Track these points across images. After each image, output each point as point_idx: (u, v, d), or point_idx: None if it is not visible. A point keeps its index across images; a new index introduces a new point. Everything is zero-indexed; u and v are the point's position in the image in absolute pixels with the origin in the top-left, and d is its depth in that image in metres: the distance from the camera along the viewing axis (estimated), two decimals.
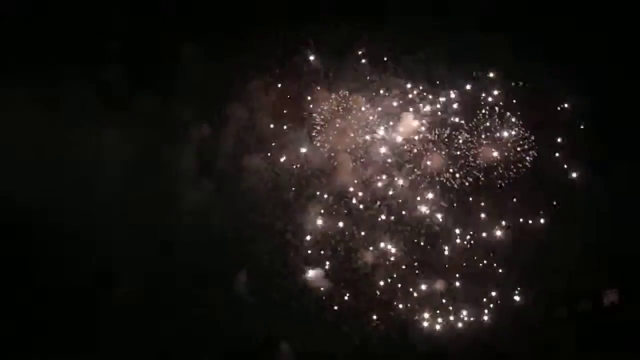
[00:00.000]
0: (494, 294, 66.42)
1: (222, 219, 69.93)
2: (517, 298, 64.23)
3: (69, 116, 70.30)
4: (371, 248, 68.66)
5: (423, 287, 68.35)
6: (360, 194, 69.42)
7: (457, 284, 68.24)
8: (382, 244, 68.93)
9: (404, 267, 68.60)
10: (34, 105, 69.46)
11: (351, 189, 69.48)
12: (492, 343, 62.19)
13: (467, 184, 69.25)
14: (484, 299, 66.94)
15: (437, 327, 68.08)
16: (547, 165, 68.95)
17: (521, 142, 68.75)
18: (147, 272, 69.41)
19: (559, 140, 69.02)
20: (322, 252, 69.08)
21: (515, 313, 63.59)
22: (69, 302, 70.59)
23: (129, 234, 69.63)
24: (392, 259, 68.58)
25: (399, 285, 68.77)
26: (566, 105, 69.04)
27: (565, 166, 68.34)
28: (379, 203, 69.17)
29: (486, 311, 66.14)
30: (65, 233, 69.14)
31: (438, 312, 68.07)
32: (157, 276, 69.65)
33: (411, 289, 68.57)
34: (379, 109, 70.39)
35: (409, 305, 68.61)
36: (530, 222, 67.66)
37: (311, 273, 69.02)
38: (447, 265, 68.57)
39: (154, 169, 71.04)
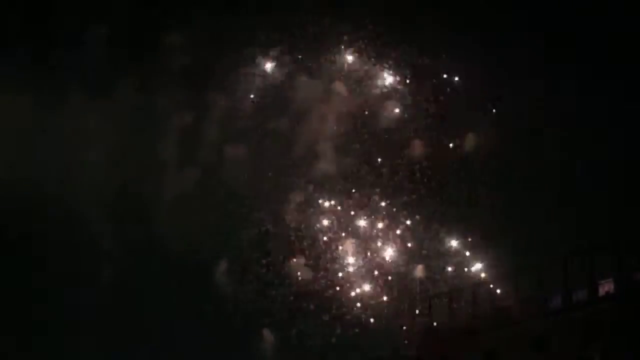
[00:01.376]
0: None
1: (203, 208, 70.00)
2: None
3: (51, 103, 70.57)
4: (352, 238, 68.76)
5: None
6: (341, 182, 69.68)
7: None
8: (363, 233, 69.17)
9: (387, 256, 68.74)
10: (15, 92, 69.95)
11: (332, 178, 69.52)
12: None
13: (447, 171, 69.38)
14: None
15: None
16: None
17: None
18: (132, 261, 69.90)
19: None
20: (303, 241, 69.37)
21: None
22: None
23: (112, 222, 69.96)
24: (374, 246, 68.93)
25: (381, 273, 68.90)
26: None
27: None
28: (360, 191, 69.28)
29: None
30: (47, 218, 69.62)
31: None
32: (142, 265, 69.99)
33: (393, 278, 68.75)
34: (361, 97, 70.33)
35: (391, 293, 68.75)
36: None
37: (292, 262, 68.94)
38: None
39: (135, 156, 71.27)
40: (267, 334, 70.03)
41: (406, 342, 67.92)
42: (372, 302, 68.76)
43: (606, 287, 54.09)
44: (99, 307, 70.58)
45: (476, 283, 67.15)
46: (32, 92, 69.86)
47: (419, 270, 68.17)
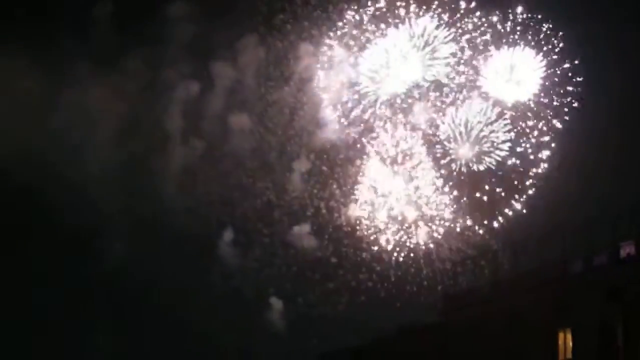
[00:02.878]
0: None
1: (208, 178, 69.93)
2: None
3: (58, 75, 70.79)
4: (353, 204, 68.25)
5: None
6: (342, 151, 69.14)
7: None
8: (363, 201, 68.65)
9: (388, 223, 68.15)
10: (23, 65, 70.28)
11: (334, 147, 69.02)
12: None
13: (452, 136, 68.46)
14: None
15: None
16: None
17: None
18: (135, 232, 70.12)
19: None
20: (305, 210, 69.10)
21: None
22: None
23: (118, 194, 70.14)
24: (374, 217, 68.28)
25: (385, 241, 68.43)
26: None
27: None
28: (362, 162, 68.83)
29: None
30: (55, 193, 70.03)
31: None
32: (148, 237, 70.16)
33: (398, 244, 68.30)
34: (363, 64, 69.51)
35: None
36: None
37: (295, 230, 68.73)
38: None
39: (141, 129, 71.38)
40: (276, 302, 70.12)
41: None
42: (379, 268, 68.56)
43: (627, 249, 53.34)
44: (108, 280, 71.22)
45: (498, 248, 66.69)
46: (37, 67, 70.15)
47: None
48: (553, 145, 68.08)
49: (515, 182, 68.17)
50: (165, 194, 69.34)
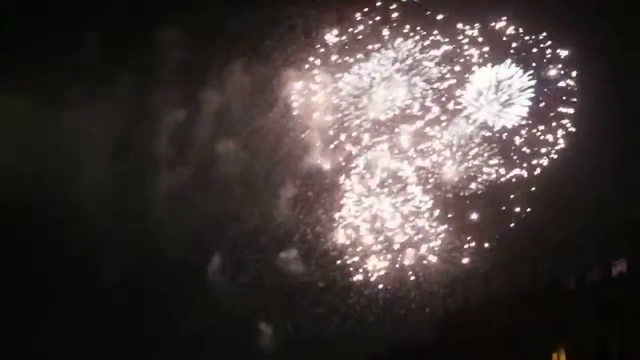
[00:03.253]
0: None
1: (195, 204, 69.92)
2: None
3: (47, 101, 70.79)
4: (341, 229, 68.43)
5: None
6: (329, 176, 69.39)
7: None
8: (350, 225, 68.78)
9: (375, 246, 68.24)
10: (11, 89, 70.43)
11: (321, 171, 69.22)
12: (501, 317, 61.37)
13: (439, 159, 68.82)
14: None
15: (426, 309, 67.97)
16: None
17: None
18: (126, 259, 69.82)
19: None
20: (292, 235, 69.06)
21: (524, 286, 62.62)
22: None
23: (104, 221, 69.95)
24: (360, 241, 68.50)
25: (373, 265, 68.51)
26: None
27: None
28: (348, 186, 69.27)
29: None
30: (43, 219, 69.73)
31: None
32: (136, 262, 69.89)
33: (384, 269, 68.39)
34: (348, 88, 69.98)
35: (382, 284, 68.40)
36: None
37: (283, 256, 68.71)
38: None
39: (129, 154, 71.34)
40: (265, 329, 70.00)
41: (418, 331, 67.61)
42: (367, 291, 68.60)
43: (619, 267, 53.48)
44: (96, 304, 70.90)
45: (490, 268, 66.81)
46: (27, 91, 70.08)
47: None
48: (543, 163, 68.42)
49: (503, 207, 68.41)
50: (152, 221, 69.06)
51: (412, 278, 67.98)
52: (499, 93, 68.64)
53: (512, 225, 68.12)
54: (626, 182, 65.86)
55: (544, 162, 68.29)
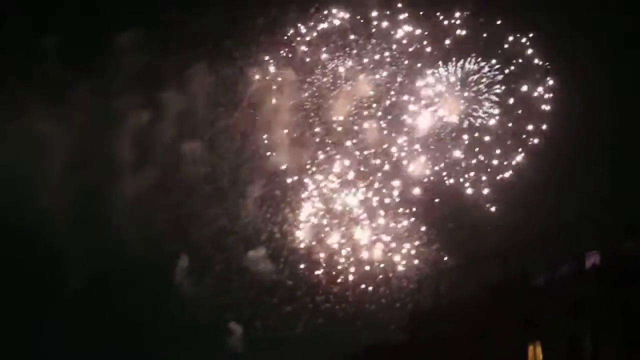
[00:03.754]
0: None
1: (161, 206, 69.67)
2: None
3: (7, 108, 70.39)
4: (308, 227, 68.43)
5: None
6: (295, 175, 69.59)
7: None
8: (317, 223, 68.78)
9: (342, 244, 68.45)
10: None
11: (286, 170, 69.25)
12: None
13: (405, 156, 69.00)
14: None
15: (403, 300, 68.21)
16: None
17: None
18: (92, 262, 69.42)
19: None
20: (259, 234, 69.06)
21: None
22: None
23: (70, 225, 69.45)
24: (328, 238, 68.44)
25: (341, 262, 68.59)
26: None
27: None
28: (314, 184, 69.23)
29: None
30: (7, 225, 68.96)
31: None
32: (103, 265, 69.54)
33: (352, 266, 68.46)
34: (313, 87, 70.06)
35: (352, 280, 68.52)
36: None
37: (250, 255, 68.56)
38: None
39: (92, 159, 70.91)
40: (235, 328, 69.81)
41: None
42: (336, 289, 68.56)
43: (592, 259, 53.41)
44: (63, 312, 70.42)
45: (462, 264, 66.87)
46: None
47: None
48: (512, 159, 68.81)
49: (472, 204, 68.73)
50: (118, 224, 68.68)
51: (381, 275, 67.88)
52: (467, 88, 68.87)
53: (482, 221, 68.05)
54: (596, 176, 66.21)
55: (513, 158, 68.54)
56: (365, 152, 68.78)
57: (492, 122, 68.80)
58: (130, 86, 70.73)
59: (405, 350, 65.14)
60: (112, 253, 69.13)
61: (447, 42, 69.17)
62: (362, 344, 68.37)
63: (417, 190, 68.69)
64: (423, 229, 68.58)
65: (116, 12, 71.58)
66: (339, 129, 69.45)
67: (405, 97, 69.67)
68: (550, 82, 69.11)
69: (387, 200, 68.54)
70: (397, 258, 68.17)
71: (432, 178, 68.68)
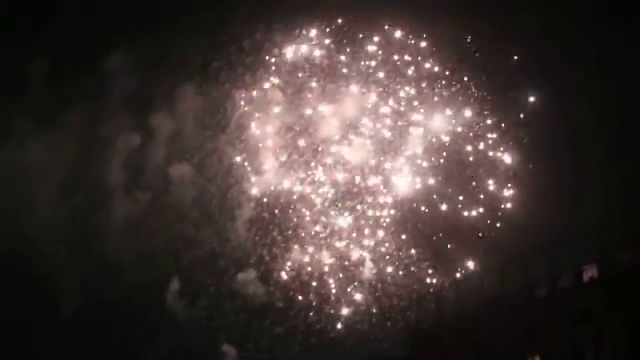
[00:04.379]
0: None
1: (151, 230, 69.60)
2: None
3: None
4: (297, 248, 68.44)
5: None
6: (283, 196, 69.18)
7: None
8: (309, 242, 68.63)
9: (333, 263, 68.41)
10: None
11: (275, 191, 69.30)
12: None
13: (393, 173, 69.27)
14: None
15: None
16: None
17: None
18: (84, 287, 69.13)
19: None
20: (249, 256, 68.83)
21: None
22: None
23: (58, 251, 69.23)
24: (317, 257, 68.28)
25: (331, 282, 68.69)
26: None
27: None
28: (305, 202, 69.06)
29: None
30: None
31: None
32: (94, 290, 69.28)
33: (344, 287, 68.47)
34: (300, 108, 69.98)
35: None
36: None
37: (241, 278, 68.45)
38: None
39: (82, 184, 70.85)
40: (229, 350, 69.60)
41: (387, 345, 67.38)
42: (327, 309, 68.53)
43: (590, 272, 53.52)
44: (55, 338, 70.17)
45: (460, 279, 66.84)
46: None
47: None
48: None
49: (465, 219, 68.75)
50: (108, 248, 68.49)
51: (373, 293, 67.83)
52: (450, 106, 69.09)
53: (479, 235, 68.09)
54: (591, 186, 66.36)
55: (502, 172, 68.75)
56: (354, 170, 68.51)
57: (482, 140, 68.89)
58: (116, 110, 70.64)
59: None
60: (101, 278, 68.83)
61: (432, 64, 69.20)
62: None
63: (407, 208, 68.50)
64: (414, 246, 68.44)
65: (103, 36, 71.54)
66: (327, 149, 69.10)
67: (393, 118, 69.31)
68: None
69: (376, 219, 68.33)
70: (388, 276, 67.90)
71: (423, 196, 68.54)
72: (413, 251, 68.40)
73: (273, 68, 69.90)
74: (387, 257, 67.89)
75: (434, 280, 67.94)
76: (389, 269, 67.89)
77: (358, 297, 68.03)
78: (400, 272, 68.07)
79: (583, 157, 68.29)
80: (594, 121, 68.02)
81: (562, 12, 68.32)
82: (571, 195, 66.37)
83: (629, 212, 55.08)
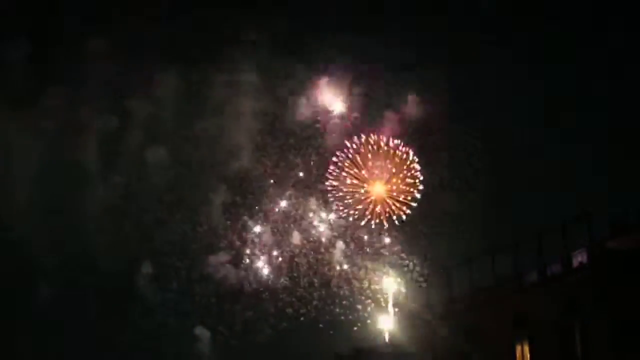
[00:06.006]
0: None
1: (125, 213, 69.58)
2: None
3: None
4: (270, 232, 68.38)
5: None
6: (257, 180, 69.28)
7: None
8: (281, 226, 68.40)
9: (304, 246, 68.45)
10: None
11: (249, 175, 69.30)
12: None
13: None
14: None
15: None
16: None
17: None
18: (54, 271, 69.02)
19: None
20: (221, 240, 68.86)
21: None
22: None
23: (32, 233, 69.06)
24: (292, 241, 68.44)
25: (302, 266, 68.65)
26: None
27: None
28: (278, 187, 69.05)
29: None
30: None
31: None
32: (65, 275, 69.11)
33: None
34: (275, 92, 69.77)
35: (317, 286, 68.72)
36: None
37: (212, 261, 68.38)
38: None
39: (60, 166, 70.74)
40: (202, 332, 69.25)
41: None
42: (298, 292, 68.33)
43: (579, 257, 53.32)
44: (27, 323, 69.88)
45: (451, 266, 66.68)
46: None
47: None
48: None
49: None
50: (82, 232, 68.13)
51: (343, 277, 67.69)
52: None
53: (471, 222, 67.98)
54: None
55: None
56: (328, 154, 68.50)
57: None
58: (94, 94, 70.10)
59: (394, 350, 64.60)
60: (73, 262, 68.40)
61: None
62: (330, 348, 68.12)
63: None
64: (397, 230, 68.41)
65: (82, 19, 71.31)
66: (302, 134, 69.10)
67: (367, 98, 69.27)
68: None
69: (347, 201, 68.34)
70: (362, 260, 67.83)
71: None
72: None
73: (251, 53, 69.03)
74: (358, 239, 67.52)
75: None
76: (367, 253, 67.48)
77: (331, 279, 67.46)
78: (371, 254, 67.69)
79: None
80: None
81: None
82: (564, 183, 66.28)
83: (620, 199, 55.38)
